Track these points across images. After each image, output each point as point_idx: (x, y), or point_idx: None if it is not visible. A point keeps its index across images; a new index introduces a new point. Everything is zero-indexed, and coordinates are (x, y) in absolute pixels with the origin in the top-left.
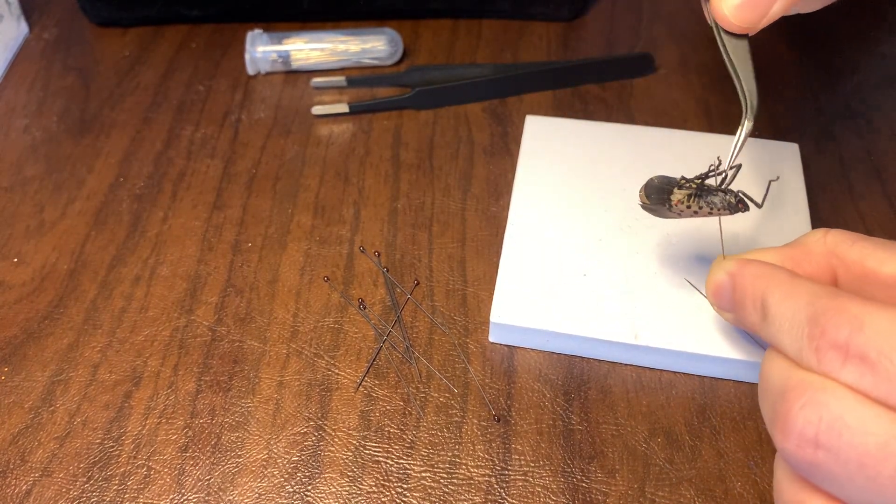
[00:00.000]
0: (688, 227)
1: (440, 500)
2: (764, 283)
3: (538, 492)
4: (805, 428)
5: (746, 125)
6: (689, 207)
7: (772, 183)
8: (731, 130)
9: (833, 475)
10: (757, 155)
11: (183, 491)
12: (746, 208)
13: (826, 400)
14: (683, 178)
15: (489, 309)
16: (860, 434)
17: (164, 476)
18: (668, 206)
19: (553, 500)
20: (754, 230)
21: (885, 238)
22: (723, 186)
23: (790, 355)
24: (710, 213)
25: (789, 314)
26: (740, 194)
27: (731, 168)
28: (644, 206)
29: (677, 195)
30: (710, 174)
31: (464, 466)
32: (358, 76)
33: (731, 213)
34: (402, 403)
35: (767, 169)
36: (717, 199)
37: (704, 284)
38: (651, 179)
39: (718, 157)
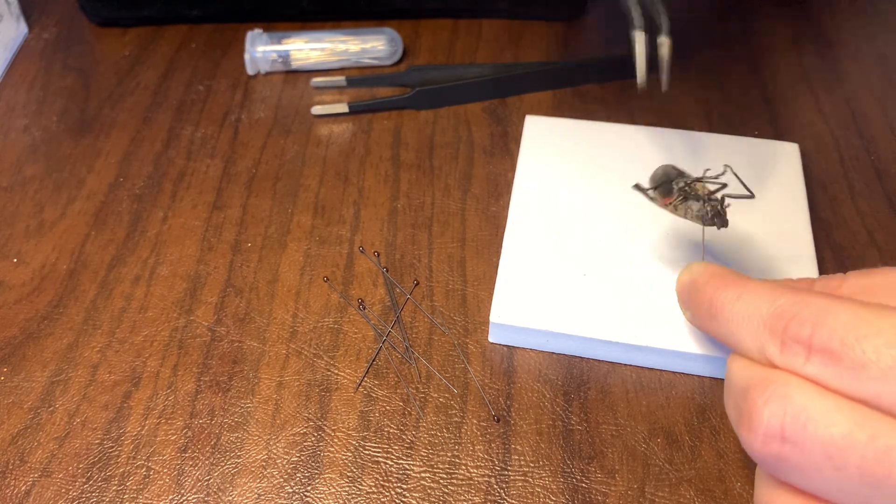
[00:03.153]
0: (688, 227)
1: (440, 500)
2: (717, 282)
3: (538, 492)
4: (770, 422)
5: (636, 39)
6: (675, 208)
7: (746, 197)
8: (732, 130)
9: (800, 468)
10: (757, 155)
11: (182, 491)
12: (721, 225)
13: (789, 393)
14: (688, 177)
15: (489, 309)
16: (825, 425)
17: (164, 476)
18: (659, 198)
19: (553, 501)
20: (754, 230)
21: (885, 238)
22: (712, 196)
23: (750, 353)
24: (686, 217)
25: (746, 312)
26: (718, 208)
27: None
28: (638, 187)
29: (673, 189)
30: (703, 179)
31: (463, 467)
32: (358, 76)
33: (704, 224)
34: (401, 404)
35: (767, 169)
36: (695, 207)
37: None
38: (658, 168)
39: (725, 166)
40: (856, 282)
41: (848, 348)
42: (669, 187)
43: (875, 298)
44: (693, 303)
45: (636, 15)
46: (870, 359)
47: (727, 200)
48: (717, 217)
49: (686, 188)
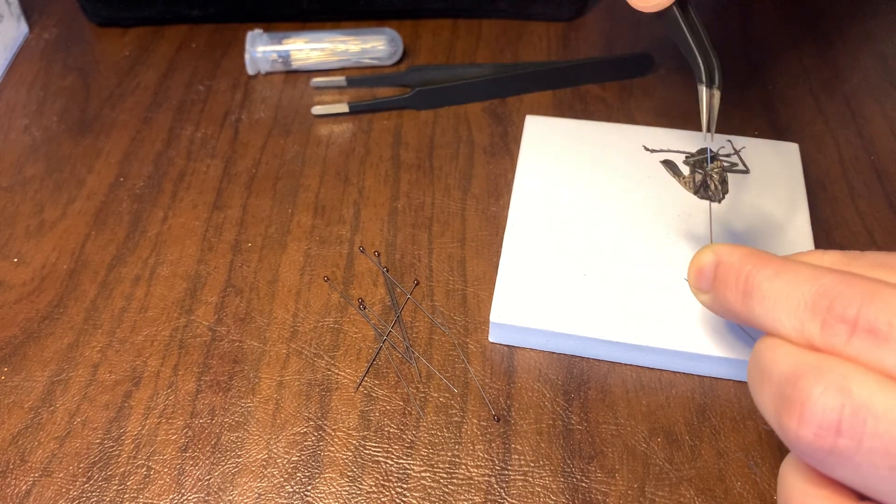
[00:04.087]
0: (687, 227)
1: (440, 500)
2: (754, 260)
3: (538, 492)
4: (826, 415)
5: (704, 94)
6: (686, 183)
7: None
8: (732, 130)
9: (853, 464)
10: (757, 155)
11: (183, 491)
12: (712, 199)
13: (848, 384)
14: (710, 154)
15: (489, 309)
16: (887, 422)
17: (164, 476)
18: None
19: (553, 500)
20: (754, 230)
21: (885, 238)
22: (707, 168)
23: (786, 333)
24: (681, 184)
25: (786, 290)
26: (708, 181)
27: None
28: (665, 160)
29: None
30: (723, 156)
31: (463, 466)
32: (358, 76)
33: (695, 194)
34: (401, 403)
35: (767, 169)
36: (697, 178)
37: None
38: (706, 149)
39: (728, 139)
40: (872, 258)
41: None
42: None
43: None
44: (720, 282)
45: (701, 66)
46: None
47: (725, 175)
48: (704, 188)
49: (692, 155)
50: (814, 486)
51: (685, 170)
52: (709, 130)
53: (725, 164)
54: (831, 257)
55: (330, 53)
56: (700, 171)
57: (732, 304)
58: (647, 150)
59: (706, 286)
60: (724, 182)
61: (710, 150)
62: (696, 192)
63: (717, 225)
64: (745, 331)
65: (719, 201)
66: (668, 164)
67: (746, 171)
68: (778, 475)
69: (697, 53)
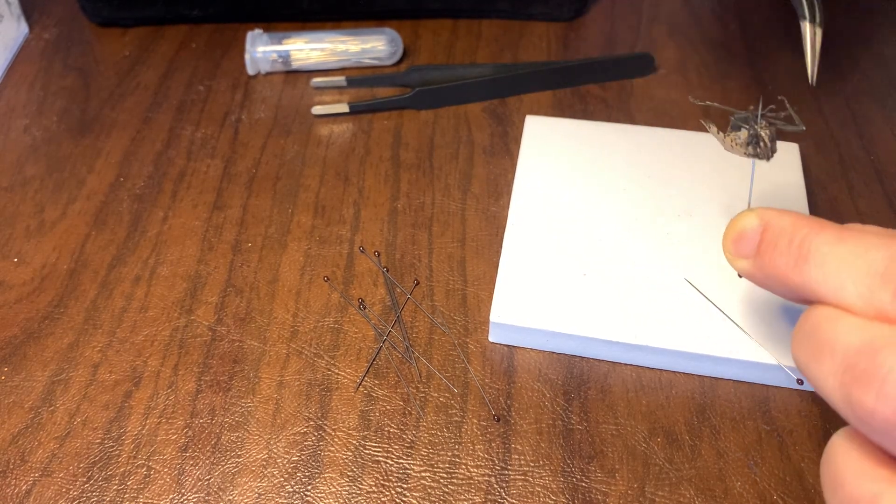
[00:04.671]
0: (688, 227)
1: (440, 499)
2: (811, 224)
3: (538, 491)
4: None
5: (807, 30)
6: (728, 140)
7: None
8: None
9: None
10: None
11: (183, 491)
12: (762, 155)
13: None
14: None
15: (489, 309)
16: None
17: (164, 476)
18: (724, 131)
19: (553, 500)
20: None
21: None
22: (759, 123)
23: (849, 301)
24: (734, 151)
25: (852, 255)
26: (761, 134)
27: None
28: (709, 123)
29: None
30: (769, 112)
31: (464, 466)
32: (358, 76)
33: (747, 154)
34: (401, 403)
35: (768, 168)
36: (743, 135)
37: (704, 283)
38: (751, 116)
39: (780, 98)
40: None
41: None
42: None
43: None
44: (768, 246)
45: (805, 3)
46: None
47: (774, 133)
48: (755, 144)
49: (740, 120)
50: (874, 466)
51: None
52: (813, 69)
53: (777, 122)
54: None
55: (330, 53)
56: (749, 126)
57: (783, 270)
58: (692, 100)
59: (748, 251)
60: (773, 140)
61: (760, 109)
62: (744, 150)
63: (717, 227)
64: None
65: (768, 159)
66: (710, 120)
67: (801, 129)
68: (825, 453)
69: None
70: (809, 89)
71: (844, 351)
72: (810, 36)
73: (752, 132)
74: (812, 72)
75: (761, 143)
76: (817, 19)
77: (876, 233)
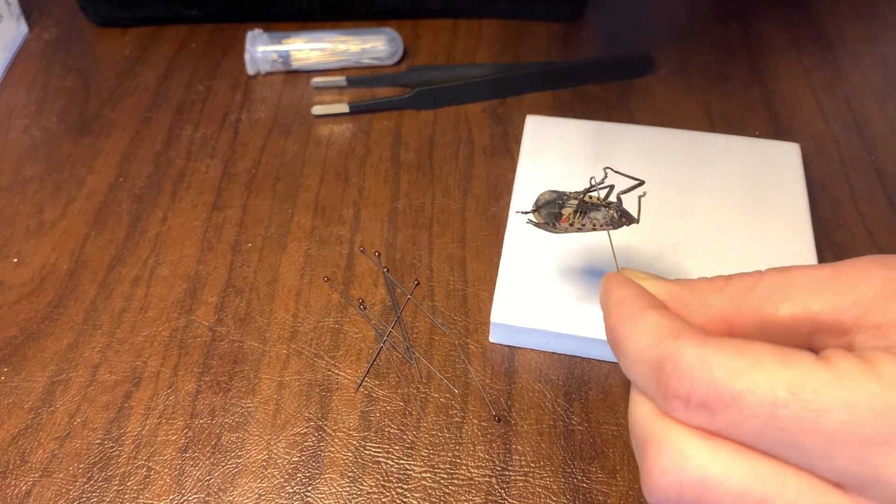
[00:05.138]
0: (689, 226)
1: (440, 500)
2: (619, 310)
3: (539, 492)
4: (667, 492)
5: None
6: (572, 224)
7: (641, 198)
8: (732, 130)
9: None
10: (758, 155)
11: (183, 491)
12: (630, 222)
13: (684, 463)
14: (570, 193)
15: (489, 309)
16: (719, 493)
17: (164, 476)
18: (554, 223)
19: (554, 501)
20: (754, 230)
21: (886, 238)
22: (607, 200)
23: (643, 392)
24: (595, 229)
25: (637, 353)
26: (622, 208)
27: (604, 187)
28: (532, 223)
29: (566, 211)
30: (592, 189)
31: (464, 467)
32: (358, 76)
33: (615, 228)
34: (402, 404)
35: (768, 169)
36: (599, 215)
37: None
38: (541, 195)
39: (605, 169)
40: (771, 281)
41: (724, 403)
42: (557, 210)
43: (788, 297)
44: (604, 318)
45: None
46: (746, 413)
47: (623, 198)
48: (625, 215)
49: (580, 202)
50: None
51: (580, 217)
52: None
53: (606, 188)
54: (732, 288)
55: (330, 53)
56: (598, 207)
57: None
58: (530, 222)
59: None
60: (621, 213)
61: (597, 184)
62: (614, 227)
63: (717, 227)
64: None
65: (637, 221)
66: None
67: (641, 182)
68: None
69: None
70: (809, 89)
71: (635, 439)
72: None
73: (608, 211)
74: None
75: (624, 214)
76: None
77: (657, 322)
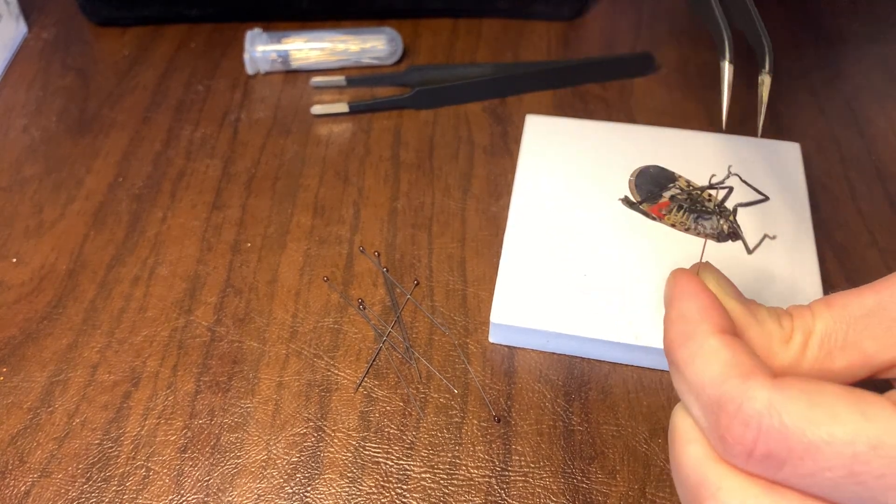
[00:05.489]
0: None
1: (440, 500)
2: (681, 327)
3: (538, 493)
4: None
5: (725, 69)
6: (672, 224)
7: (766, 238)
8: (732, 130)
9: None
10: (758, 154)
11: (182, 492)
12: (736, 239)
13: None
14: (679, 180)
15: (489, 309)
16: None
17: (163, 477)
18: (649, 204)
19: (553, 501)
20: (755, 230)
21: (886, 238)
22: (722, 206)
23: (698, 422)
24: (697, 234)
25: (698, 381)
26: (736, 225)
27: (728, 178)
28: (624, 200)
29: (665, 197)
30: (713, 187)
31: (464, 467)
32: (358, 76)
33: (718, 241)
34: (401, 404)
35: (768, 169)
36: (708, 224)
37: None
38: (647, 168)
39: (729, 168)
40: (823, 322)
41: (796, 456)
42: (658, 194)
43: (844, 346)
44: (663, 331)
45: (726, 42)
46: (821, 467)
47: (738, 210)
48: (734, 235)
49: (686, 198)
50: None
51: (690, 219)
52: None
53: (725, 190)
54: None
55: (330, 53)
56: (711, 215)
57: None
58: (627, 203)
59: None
60: (734, 229)
61: (722, 187)
62: (717, 241)
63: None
64: None
65: (750, 252)
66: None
67: (766, 199)
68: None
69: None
70: (809, 89)
71: (685, 480)
72: (727, 77)
73: (719, 222)
74: (724, 106)
75: (733, 234)
76: (767, 66)
77: (722, 354)
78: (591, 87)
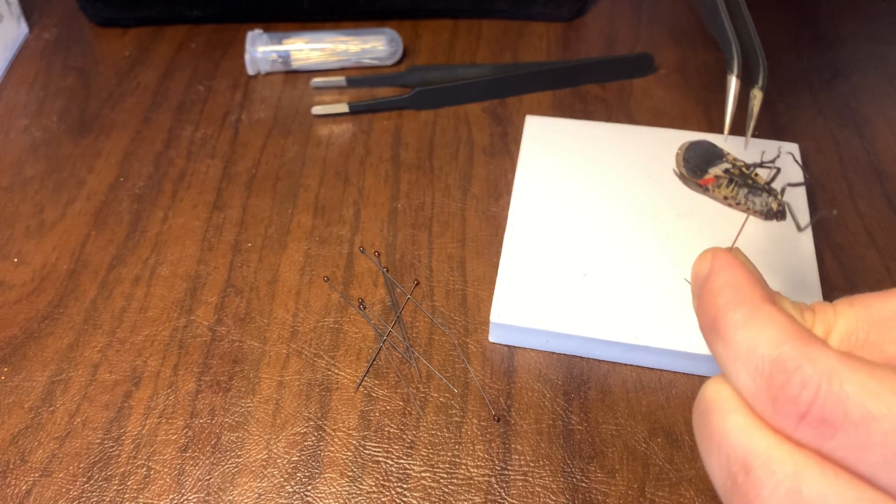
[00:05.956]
0: (688, 226)
1: (440, 500)
2: (729, 294)
3: (538, 492)
4: None
5: (732, 84)
6: (725, 197)
7: (822, 216)
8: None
9: None
10: (757, 155)
11: (183, 491)
12: (783, 218)
13: (799, 486)
14: (728, 156)
15: (489, 309)
16: None
17: (164, 476)
18: (701, 178)
19: (553, 500)
20: (754, 230)
21: (885, 238)
22: (770, 185)
23: (740, 390)
24: (745, 210)
25: (747, 346)
26: (786, 204)
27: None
28: (677, 172)
29: (716, 171)
30: (763, 164)
31: (464, 466)
32: (358, 76)
33: (766, 219)
34: (401, 403)
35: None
36: (758, 200)
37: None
38: (697, 142)
39: (780, 149)
40: (845, 320)
41: (852, 424)
42: (705, 169)
43: (865, 334)
44: (701, 302)
45: (735, 57)
46: (877, 440)
47: (787, 190)
48: (782, 213)
49: (744, 175)
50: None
51: (740, 193)
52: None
53: (773, 171)
54: (841, 315)
55: (330, 53)
56: (761, 190)
57: (701, 330)
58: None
59: (695, 293)
60: (782, 209)
61: (767, 166)
62: (764, 219)
63: (716, 226)
64: None
65: (801, 229)
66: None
67: (809, 180)
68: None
69: (733, 43)
70: (809, 89)
71: (726, 453)
72: (734, 91)
73: (768, 199)
74: (727, 123)
75: (780, 212)
76: (760, 82)
77: (779, 321)
78: (590, 88)
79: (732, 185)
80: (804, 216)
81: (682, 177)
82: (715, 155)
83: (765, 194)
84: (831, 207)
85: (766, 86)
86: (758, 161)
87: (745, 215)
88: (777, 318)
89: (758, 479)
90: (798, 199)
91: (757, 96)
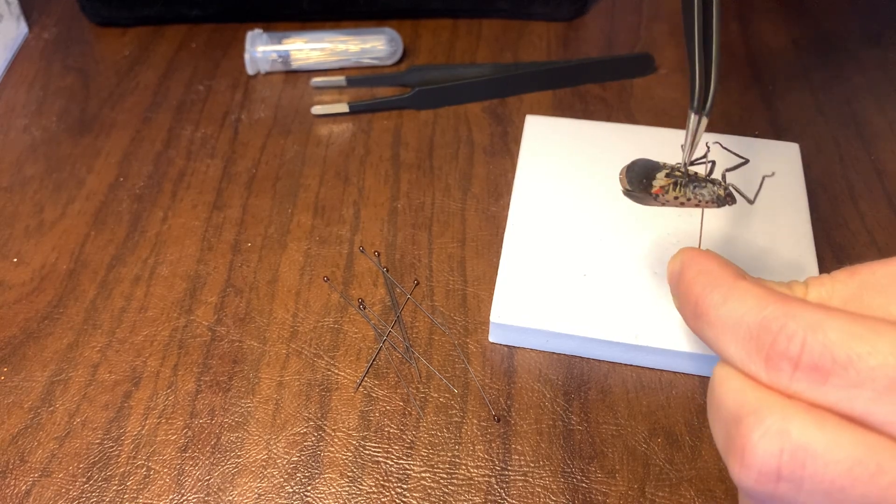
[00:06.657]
0: (688, 226)
1: (440, 500)
2: (704, 280)
3: (538, 492)
4: (766, 461)
5: (692, 119)
6: (675, 198)
7: (765, 178)
8: (732, 130)
9: None
10: (757, 154)
11: (182, 491)
12: (734, 201)
13: (787, 427)
14: (668, 164)
15: (489, 309)
16: (824, 463)
17: (164, 476)
18: (649, 192)
19: (553, 501)
20: (753, 231)
21: (885, 238)
22: (711, 177)
23: (735, 363)
24: (697, 205)
25: (732, 319)
26: (730, 187)
27: (704, 161)
28: (626, 192)
29: (661, 181)
30: (698, 161)
31: (464, 467)
32: (358, 76)
33: (719, 206)
34: (401, 404)
35: (768, 168)
36: (705, 191)
37: None
38: (634, 162)
39: (707, 144)
40: (845, 286)
41: (840, 366)
42: (651, 180)
43: (869, 298)
44: (680, 296)
45: (696, 91)
46: (864, 377)
47: (727, 175)
48: (731, 196)
49: (685, 174)
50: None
51: (687, 191)
52: (687, 155)
53: (708, 164)
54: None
55: (330, 53)
56: (704, 183)
57: (687, 322)
58: (628, 194)
59: (674, 295)
60: (729, 193)
61: (702, 161)
62: (718, 206)
63: (717, 226)
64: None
65: (752, 201)
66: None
67: (746, 161)
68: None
69: (697, 67)
70: (809, 88)
71: (725, 415)
72: (693, 125)
73: (714, 188)
74: (686, 157)
75: (730, 195)
76: (706, 109)
77: (759, 288)
78: (590, 88)
79: (678, 186)
80: (750, 192)
81: (631, 194)
82: (653, 167)
83: (710, 185)
84: (831, 207)
85: (710, 113)
86: (688, 161)
87: (700, 211)
88: (753, 290)
89: (748, 425)
90: (798, 199)
91: (701, 122)
